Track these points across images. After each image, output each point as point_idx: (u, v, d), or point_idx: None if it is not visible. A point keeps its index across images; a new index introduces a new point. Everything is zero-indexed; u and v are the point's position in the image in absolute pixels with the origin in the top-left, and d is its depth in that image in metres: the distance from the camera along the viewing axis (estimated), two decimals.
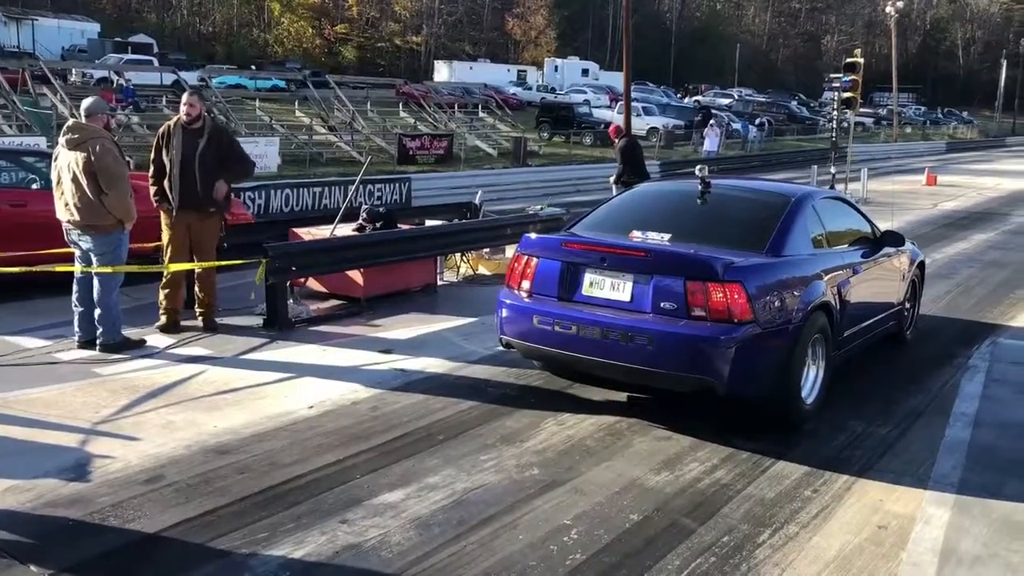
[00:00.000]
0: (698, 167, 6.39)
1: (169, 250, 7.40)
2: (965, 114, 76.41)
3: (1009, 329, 8.56)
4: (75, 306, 6.80)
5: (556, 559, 3.89)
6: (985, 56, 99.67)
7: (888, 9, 56.02)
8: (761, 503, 4.53)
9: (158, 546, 3.89)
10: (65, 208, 6.64)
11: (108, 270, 6.66)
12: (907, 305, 7.76)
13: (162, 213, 7.41)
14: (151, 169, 7.39)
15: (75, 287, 6.81)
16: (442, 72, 63.15)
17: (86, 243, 6.70)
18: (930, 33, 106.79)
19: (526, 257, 5.90)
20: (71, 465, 4.67)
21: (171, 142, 7.28)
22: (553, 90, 57.79)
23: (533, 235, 6.22)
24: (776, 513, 4.43)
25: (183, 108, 7.33)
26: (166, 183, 7.27)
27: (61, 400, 5.65)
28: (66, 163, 6.59)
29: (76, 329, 6.82)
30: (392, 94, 42.07)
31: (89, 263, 6.75)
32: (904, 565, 3.98)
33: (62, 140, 6.64)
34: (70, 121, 6.86)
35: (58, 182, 6.69)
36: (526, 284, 5.84)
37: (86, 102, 6.87)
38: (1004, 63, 75.97)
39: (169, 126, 7.38)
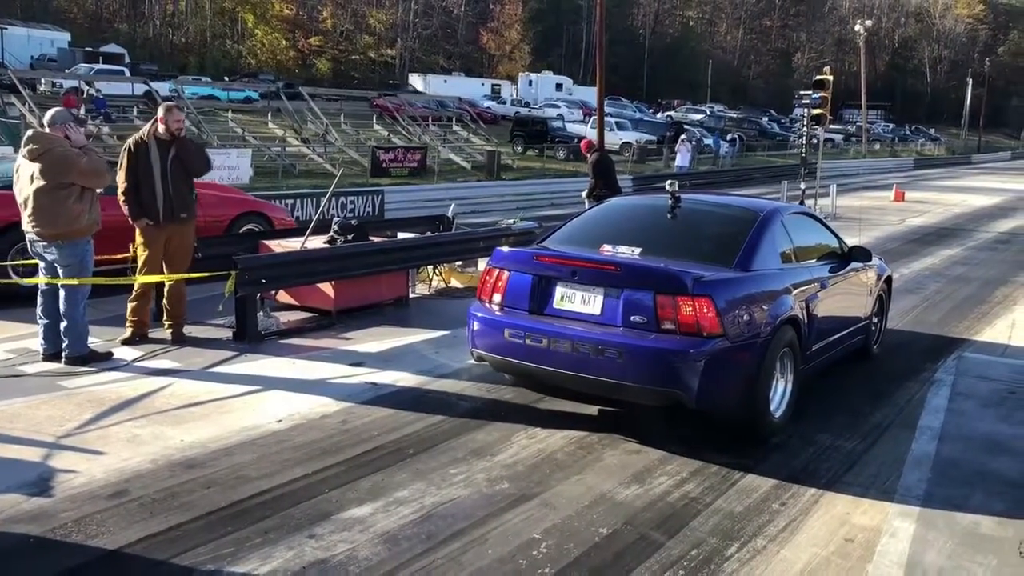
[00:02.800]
0: (668, 182, 6.43)
1: (144, 263, 7.31)
2: (932, 131, 77.74)
3: (974, 343, 8.69)
4: (40, 318, 6.71)
5: (525, 573, 3.88)
6: (952, 75, 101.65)
7: (857, 28, 57.01)
8: (730, 516, 4.55)
9: (120, 562, 3.82)
10: (29, 219, 6.55)
11: (74, 282, 6.57)
12: (874, 320, 7.85)
13: (140, 229, 7.30)
14: (124, 184, 7.19)
15: (40, 299, 6.71)
16: (416, 85, 63.19)
17: (51, 254, 6.61)
18: (898, 52, 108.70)
19: (497, 270, 5.90)
20: (33, 480, 4.59)
21: (148, 155, 7.19)
22: (527, 104, 58.02)
23: (505, 248, 6.22)
24: (744, 526, 4.45)
25: (175, 124, 7.26)
26: (146, 198, 7.18)
27: (25, 413, 5.56)
28: (28, 174, 6.52)
29: (41, 341, 6.72)
30: (366, 106, 42.01)
31: (54, 275, 6.66)
32: None
33: (23, 151, 6.55)
34: (30, 131, 6.77)
35: (20, 192, 6.60)
36: (497, 297, 5.84)
37: (49, 113, 6.82)
38: (970, 82, 77.46)
39: (142, 139, 7.25)
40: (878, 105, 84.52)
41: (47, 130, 6.65)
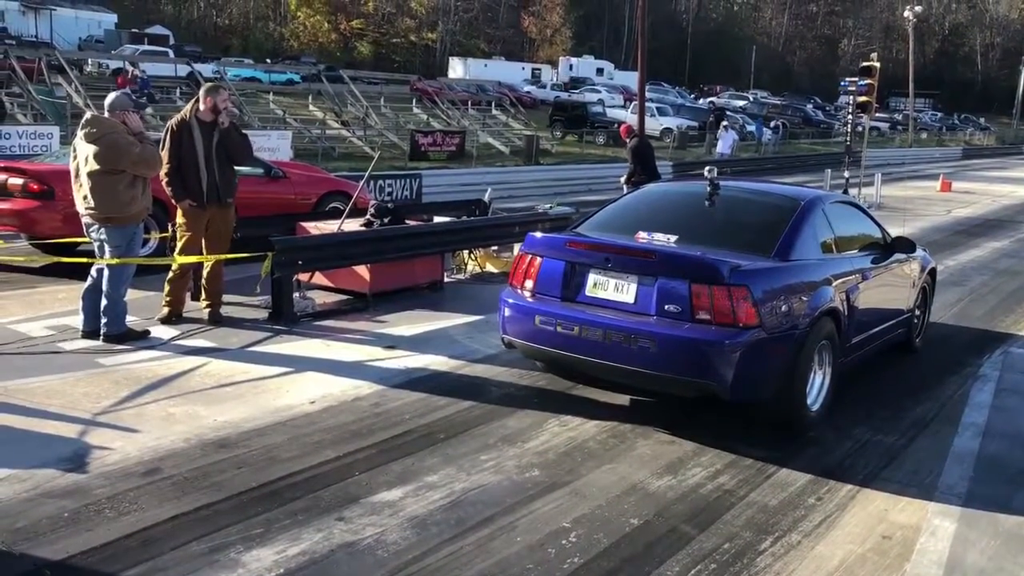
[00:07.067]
0: (707, 168, 6.32)
1: (185, 243, 7.35)
2: (982, 120, 75.87)
3: (1021, 338, 8.46)
4: (84, 296, 6.78)
5: (554, 562, 3.85)
6: (1004, 63, 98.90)
7: (906, 14, 55.74)
8: (764, 510, 4.47)
9: (152, 540, 3.85)
10: (83, 200, 6.66)
11: (115, 261, 6.64)
12: (917, 312, 7.67)
13: (182, 209, 7.33)
14: (168, 165, 7.20)
15: (90, 277, 6.78)
16: (457, 69, 63.10)
17: (101, 235, 6.70)
18: (948, 39, 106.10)
19: (530, 256, 5.84)
20: (69, 455, 4.65)
21: (192, 137, 7.22)
22: (567, 89, 57.63)
23: (538, 234, 6.16)
24: (779, 521, 4.37)
25: (223, 104, 7.29)
26: (190, 179, 7.21)
27: (62, 390, 5.63)
28: (83, 156, 6.61)
29: (81, 319, 6.81)
30: (406, 90, 42.06)
31: (102, 254, 6.75)
32: None
33: (80, 133, 6.65)
34: (88, 114, 6.87)
35: (76, 175, 6.70)
36: (529, 283, 5.78)
37: (110, 97, 6.88)
38: (1023, 70, 75.36)
39: (185, 121, 7.26)
40: (926, 93, 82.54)
41: (106, 115, 6.72)
